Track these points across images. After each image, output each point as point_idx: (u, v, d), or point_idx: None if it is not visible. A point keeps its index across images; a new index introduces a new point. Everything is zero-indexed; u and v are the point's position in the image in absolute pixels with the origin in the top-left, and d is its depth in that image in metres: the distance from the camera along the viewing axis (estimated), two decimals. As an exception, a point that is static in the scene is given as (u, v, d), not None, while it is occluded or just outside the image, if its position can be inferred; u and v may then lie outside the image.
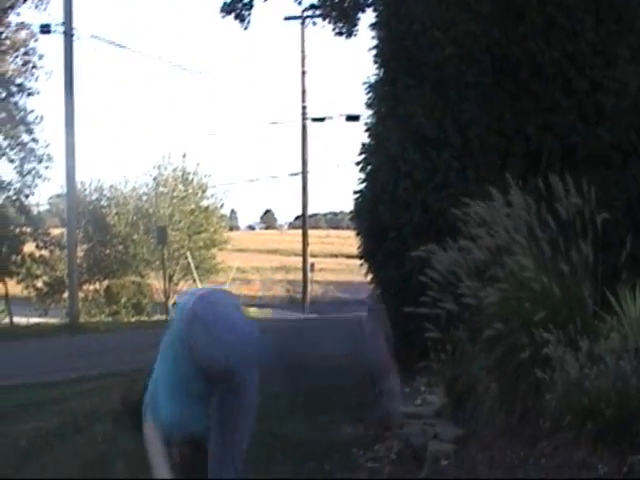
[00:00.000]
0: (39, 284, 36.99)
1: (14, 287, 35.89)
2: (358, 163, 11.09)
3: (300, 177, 44.04)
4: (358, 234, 11.24)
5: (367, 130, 11.16)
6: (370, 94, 11.17)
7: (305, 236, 43.45)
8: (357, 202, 11.15)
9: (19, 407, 10.39)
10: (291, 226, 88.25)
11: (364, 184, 10.93)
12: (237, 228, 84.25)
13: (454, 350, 7.52)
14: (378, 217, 10.14)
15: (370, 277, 11.08)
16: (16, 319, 34.51)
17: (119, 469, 6.73)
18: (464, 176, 9.74)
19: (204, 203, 42.69)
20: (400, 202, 9.92)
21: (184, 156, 42.16)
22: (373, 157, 10.80)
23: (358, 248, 11.25)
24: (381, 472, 6.44)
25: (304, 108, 42.81)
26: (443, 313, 7.48)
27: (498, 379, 6.73)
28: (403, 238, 9.73)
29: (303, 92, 42.81)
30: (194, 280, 39.22)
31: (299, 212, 47.25)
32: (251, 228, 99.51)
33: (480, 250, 7.39)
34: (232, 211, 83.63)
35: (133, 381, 5.40)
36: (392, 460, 6.71)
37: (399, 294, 9.51)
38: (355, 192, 11.12)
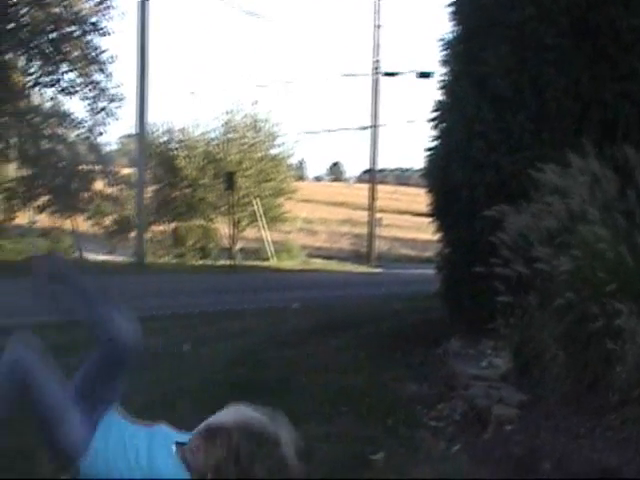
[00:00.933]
0: (107, 222, 37.47)
1: (83, 224, 36.37)
2: (431, 120, 11.01)
3: (369, 131, 43.81)
4: (429, 191, 11.17)
5: (442, 87, 11.05)
6: (445, 51, 11.05)
7: (373, 190, 43.26)
8: (429, 159, 11.08)
9: (86, 343, 10.50)
10: (358, 180, 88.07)
11: (437, 141, 10.86)
12: (304, 178, 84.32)
13: (523, 315, 7.49)
14: (450, 175, 10.07)
15: (439, 236, 11.04)
16: (84, 255, 34.95)
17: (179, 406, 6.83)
18: (539, 139, 9.62)
19: (273, 151, 42.76)
20: (473, 162, 9.83)
21: (255, 103, 42.22)
22: (447, 115, 10.71)
23: (428, 206, 11.18)
24: (444, 432, 6.47)
25: (377, 62, 42.50)
26: (513, 276, 7.47)
27: (567, 348, 6.71)
28: (475, 198, 9.64)
29: (376, 46, 42.46)
30: (261, 227, 39.40)
31: (367, 166, 47.02)
32: (318, 179, 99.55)
33: (553, 217, 7.35)
34: (300, 161, 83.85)
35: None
36: (456, 421, 6.74)
37: (468, 254, 9.48)
38: (427, 149, 11.05)
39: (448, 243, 10.81)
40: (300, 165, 79.42)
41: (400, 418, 6.73)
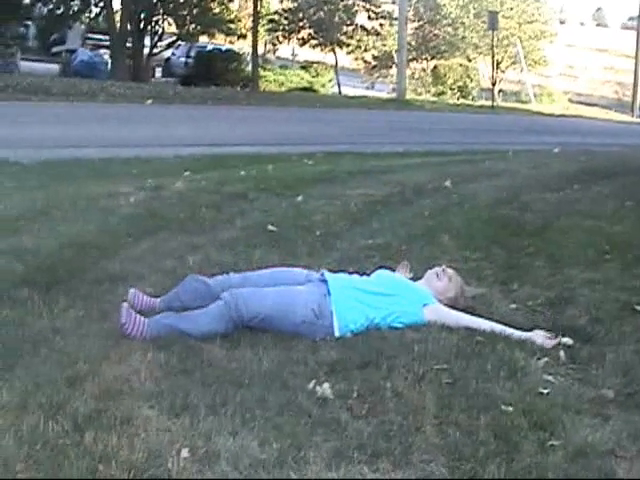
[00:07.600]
0: (368, 57, 37.61)
1: (343, 59, 36.66)
2: None
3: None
4: None
5: None
6: None
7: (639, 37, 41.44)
8: None
9: (348, 174, 10.70)
10: (623, 27, 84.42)
11: None
12: (567, 22, 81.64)
13: None
14: None
15: None
16: (343, 89, 35.31)
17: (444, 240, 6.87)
18: None
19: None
20: None
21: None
22: None
23: None
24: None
25: None
26: None
27: None
28: None
29: None
30: (522, 70, 38.64)
31: (632, 13, 45.02)
32: (581, 24, 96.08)
33: None
34: (563, 5, 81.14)
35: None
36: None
37: None
38: None
39: None
40: (563, 9, 76.88)
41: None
